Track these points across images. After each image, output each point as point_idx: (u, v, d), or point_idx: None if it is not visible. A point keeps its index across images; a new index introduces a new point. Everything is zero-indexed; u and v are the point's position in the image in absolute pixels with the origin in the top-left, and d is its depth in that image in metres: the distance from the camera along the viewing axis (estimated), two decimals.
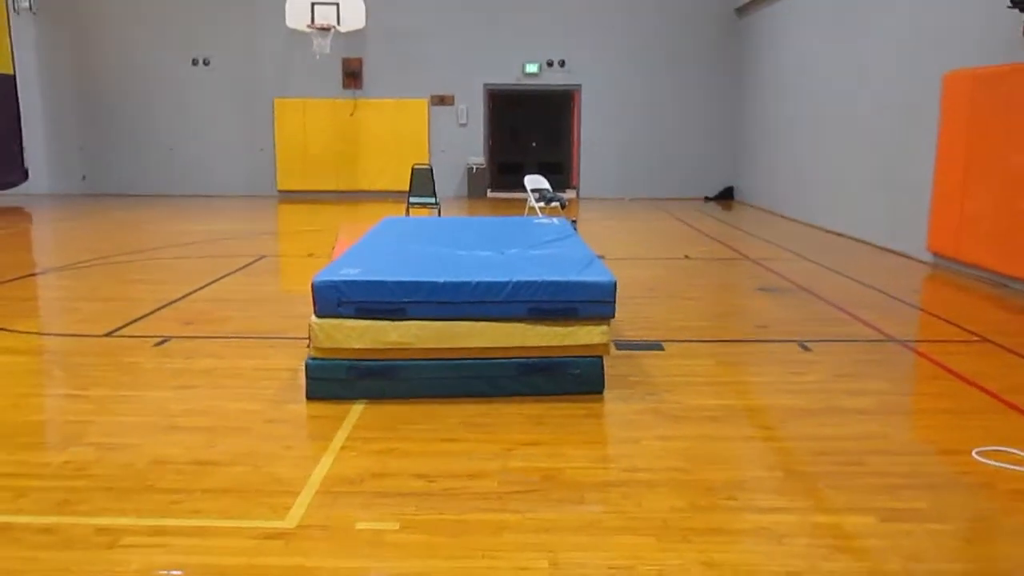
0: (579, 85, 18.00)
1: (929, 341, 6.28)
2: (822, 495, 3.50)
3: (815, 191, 13.08)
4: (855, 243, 11.10)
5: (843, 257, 9.91)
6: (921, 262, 9.41)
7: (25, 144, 16.60)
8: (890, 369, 5.41)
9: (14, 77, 16.07)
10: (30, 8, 17.39)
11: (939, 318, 6.90)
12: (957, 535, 3.20)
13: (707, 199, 17.96)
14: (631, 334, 6.11)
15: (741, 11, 17.14)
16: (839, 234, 11.84)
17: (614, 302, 4.64)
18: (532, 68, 17.83)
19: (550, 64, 17.89)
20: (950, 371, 5.27)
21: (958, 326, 6.45)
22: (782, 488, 3.58)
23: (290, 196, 17.94)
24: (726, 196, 17.98)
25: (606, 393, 4.73)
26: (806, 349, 5.79)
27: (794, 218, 13.85)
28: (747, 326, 6.72)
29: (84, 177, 18.16)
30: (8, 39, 15.92)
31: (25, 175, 16.62)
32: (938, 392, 5.00)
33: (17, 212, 15.11)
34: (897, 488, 3.55)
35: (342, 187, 18.01)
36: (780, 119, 14.94)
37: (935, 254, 9.16)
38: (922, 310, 7.42)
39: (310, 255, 9.86)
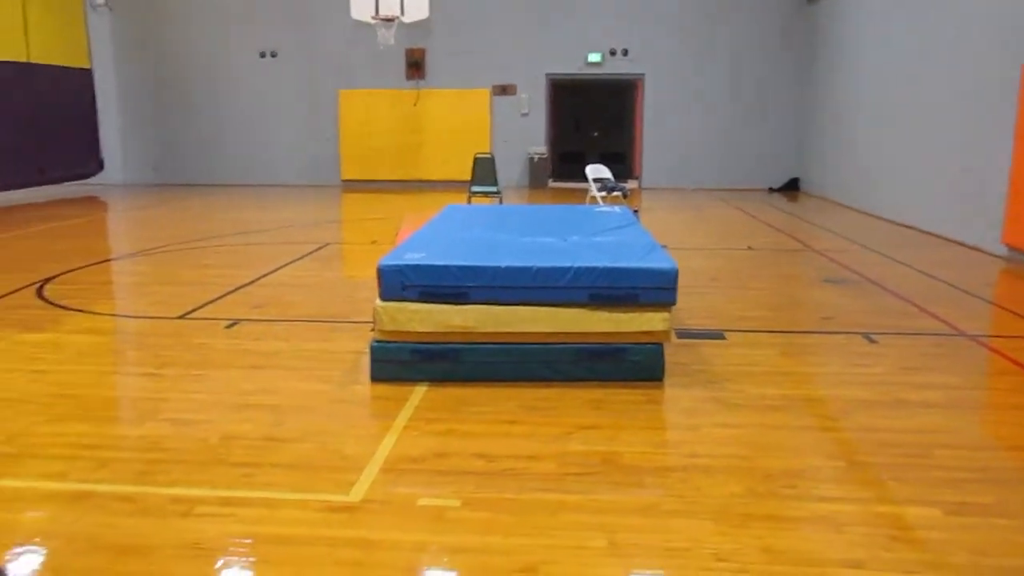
0: (642, 74, 17.87)
1: (1002, 336, 6.12)
2: (885, 486, 3.46)
3: (884, 182, 12.78)
4: (925, 235, 10.83)
5: (912, 249, 9.69)
6: (995, 256, 9.14)
7: (101, 135, 17.20)
8: (959, 363, 5.29)
9: (91, 71, 16.64)
10: (106, 4, 17.96)
11: (1013, 313, 6.71)
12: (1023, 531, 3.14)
13: (771, 190, 17.69)
14: (692, 323, 6.09)
15: None
16: (908, 226, 11.57)
17: (675, 289, 4.64)
18: (595, 57, 17.76)
19: (613, 53, 17.80)
20: (1022, 367, 5.14)
21: None
22: (843, 478, 3.55)
23: (354, 185, 18.21)
24: (791, 187, 17.68)
25: (666, 380, 4.73)
26: (872, 341, 5.70)
27: (861, 209, 13.57)
28: (811, 317, 6.64)
29: (154, 168, 18.70)
30: (86, 34, 16.49)
31: (100, 166, 17.21)
32: (1009, 387, 4.88)
33: (93, 201, 15.65)
34: (963, 482, 3.49)
35: (405, 177, 18.21)
36: (849, 108, 14.62)
37: (1010, 247, 8.89)
38: (995, 304, 7.22)
39: (373, 242, 10.02)
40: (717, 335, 5.78)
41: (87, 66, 16.49)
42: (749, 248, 9.91)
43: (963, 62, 10.23)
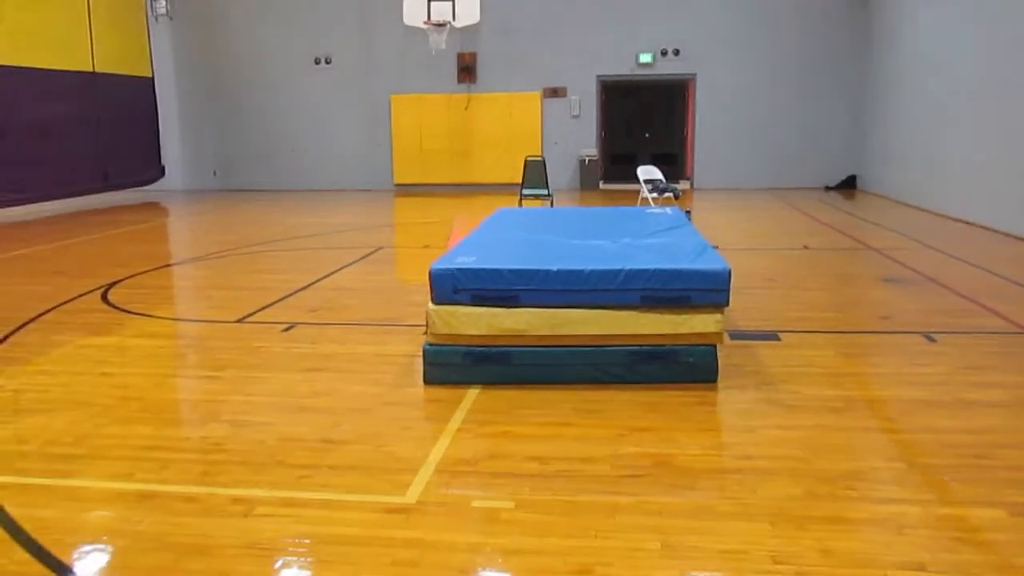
0: (694, 74, 17.71)
1: None
2: (947, 487, 3.39)
3: (943, 178, 12.48)
4: (987, 232, 10.55)
5: (974, 246, 9.45)
6: None
7: (162, 142, 17.65)
8: (1023, 362, 5.15)
9: (152, 79, 17.09)
10: (167, 15, 18.43)
11: None
12: None
13: (828, 188, 17.38)
14: (746, 324, 6.02)
15: None
16: (970, 223, 11.27)
17: (728, 290, 4.60)
18: (646, 58, 17.66)
19: (664, 53, 17.68)
20: None
21: None
22: (904, 479, 3.49)
23: (406, 189, 18.39)
24: (848, 185, 17.35)
25: (720, 382, 4.69)
26: (932, 341, 5.57)
27: (921, 207, 13.26)
28: (869, 317, 6.52)
29: (215, 173, 19.13)
30: (148, 44, 16.95)
31: (162, 172, 17.67)
32: None
33: (154, 207, 16.06)
34: None
35: (456, 180, 18.32)
36: (906, 103, 14.30)
37: None
38: None
39: (426, 246, 10.11)
40: (771, 336, 5.71)
41: (148, 75, 16.94)
42: (805, 248, 9.77)
43: (1022, 57, 9.95)
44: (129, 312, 6.76)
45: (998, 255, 8.87)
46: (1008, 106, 10.40)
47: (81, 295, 7.40)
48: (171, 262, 9.71)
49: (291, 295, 7.31)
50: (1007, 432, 3.97)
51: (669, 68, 17.74)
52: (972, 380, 4.74)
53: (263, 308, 6.83)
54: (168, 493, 3.45)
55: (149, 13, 17.38)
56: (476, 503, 3.32)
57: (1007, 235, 10.15)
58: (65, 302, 7.12)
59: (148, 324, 6.41)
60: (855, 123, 17.10)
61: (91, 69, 14.93)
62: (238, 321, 6.42)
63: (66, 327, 6.29)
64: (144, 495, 3.43)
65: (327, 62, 18.43)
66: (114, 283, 7.92)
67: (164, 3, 18.32)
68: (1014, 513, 3.15)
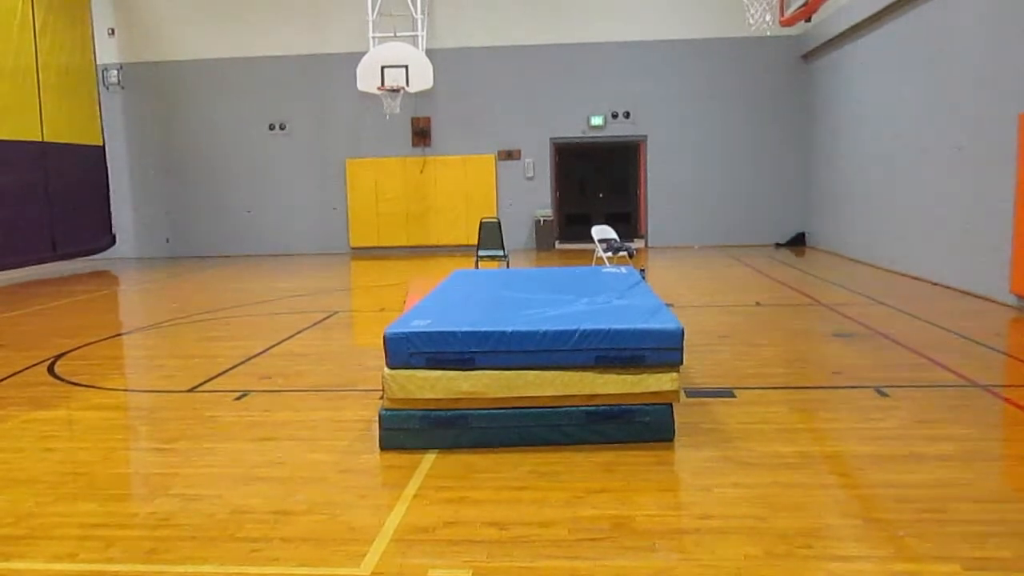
0: (644, 136, 18.11)
1: (1015, 386, 6.08)
2: (902, 543, 3.40)
3: (890, 235, 12.82)
4: (934, 287, 10.82)
5: (921, 301, 9.67)
6: (1005, 305, 9.11)
7: (113, 210, 17.48)
8: (973, 415, 5.24)
9: (103, 148, 16.99)
10: (119, 83, 18.41)
11: None
12: None
13: (778, 245, 17.74)
14: (701, 381, 6.06)
15: (808, 57, 17.09)
16: (916, 278, 11.56)
17: (682, 349, 4.64)
18: (597, 121, 18.04)
19: (615, 116, 18.08)
20: None
21: None
22: (860, 536, 3.50)
23: (362, 253, 18.38)
24: (797, 242, 17.74)
25: (676, 440, 4.70)
26: (883, 395, 5.66)
27: (869, 263, 13.58)
28: (821, 372, 6.60)
29: (168, 240, 18.94)
30: (99, 113, 16.89)
31: (113, 240, 17.46)
32: None
33: (105, 276, 15.81)
34: (982, 536, 3.44)
35: (413, 243, 18.38)
36: (852, 163, 14.75)
37: (1020, 296, 8.87)
38: (1007, 354, 7.17)
39: (382, 309, 10.06)
40: (727, 393, 5.75)
41: (99, 143, 16.85)
42: (757, 304, 9.91)
43: (962, 114, 10.35)
44: (76, 384, 6.60)
45: (945, 309, 9.08)
46: (947, 164, 10.76)
47: (26, 368, 7.22)
48: (121, 332, 9.53)
49: (244, 362, 7.20)
50: (959, 486, 4.01)
51: (620, 130, 18.13)
52: (924, 434, 4.81)
53: (215, 376, 6.71)
54: (114, 573, 3.33)
55: (100, 82, 17.35)
56: (432, 572, 3.25)
57: (953, 289, 10.41)
58: (8, 376, 6.93)
59: (96, 396, 6.26)
60: (802, 181, 17.56)
61: (40, 138, 14.81)
62: (189, 391, 6.30)
63: (9, 402, 6.11)
64: None
65: (281, 128, 18.52)
66: (61, 355, 7.74)
67: (116, 72, 18.34)
68: (968, 567, 3.17)
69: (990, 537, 3.43)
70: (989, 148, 9.54)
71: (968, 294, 9.98)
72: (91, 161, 16.53)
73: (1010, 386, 6.07)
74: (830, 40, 15.39)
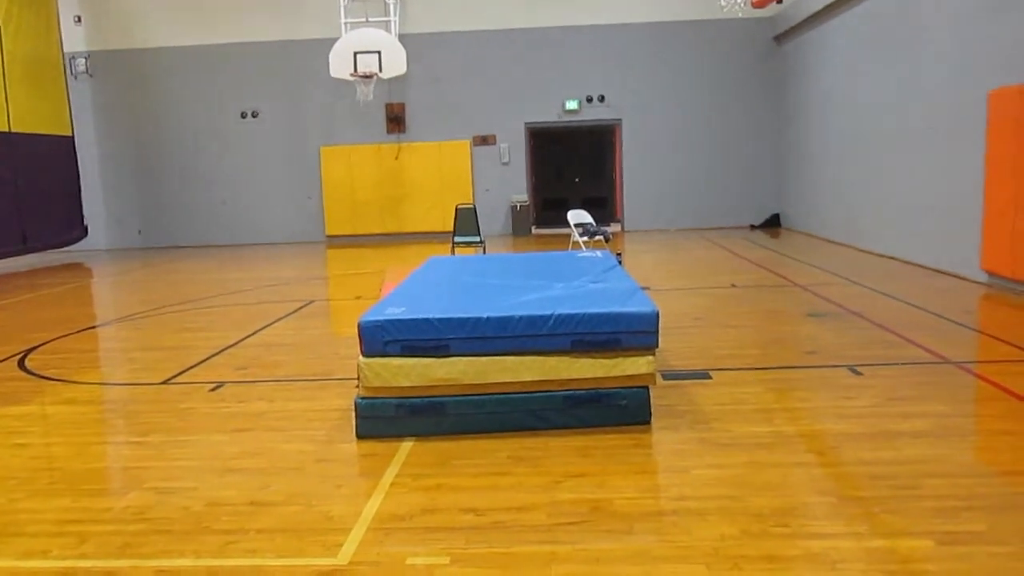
0: (619, 119, 18.11)
1: (987, 362, 6.15)
2: (877, 519, 3.44)
3: (862, 215, 12.92)
4: (906, 266, 10.92)
5: (894, 280, 9.76)
6: (975, 282, 9.22)
7: (84, 202, 17.24)
8: (946, 391, 5.29)
9: (72, 138, 16.73)
10: (87, 71, 18.14)
11: (997, 338, 6.75)
12: (1017, 557, 3.11)
13: (753, 227, 17.83)
14: (678, 364, 6.09)
15: (780, 38, 17.14)
16: (889, 257, 11.67)
17: (657, 332, 4.65)
18: (572, 105, 18.00)
19: (590, 100, 18.05)
20: (1009, 392, 5.15)
21: (1016, 346, 6.31)
22: (835, 513, 3.53)
23: (338, 241, 18.27)
24: (772, 223, 17.84)
25: (653, 423, 4.71)
26: (857, 373, 5.71)
27: (842, 243, 13.68)
28: (796, 352, 6.65)
29: (140, 232, 18.74)
30: (67, 102, 16.62)
31: (85, 232, 17.23)
32: (997, 413, 4.89)
33: (77, 268, 15.62)
34: (955, 511, 3.48)
35: (389, 230, 18.29)
36: (824, 144, 14.83)
37: (990, 273, 8.97)
38: (978, 331, 7.26)
39: (358, 298, 10.01)
40: (703, 375, 5.77)
41: (68, 133, 16.59)
42: (733, 286, 9.96)
43: (932, 93, 10.42)
44: (48, 379, 6.52)
45: (917, 288, 9.17)
46: (918, 143, 10.84)
47: None
48: (94, 324, 9.41)
49: (219, 353, 7.15)
50: (932, 462, 4.06)
51: (595, 114, 18.11)
52: (897, 411, 4.86)
53: (190, 368, 6.65)
54: (87, 569, 3.29)
55: (68, 71, 17.07)
56: (411, 560, 3.24)
57: (925, 268, 10.51)
58: None
59: (68, 390, 6.18)
60: (777, 163, 17.65)
61: (7, 129, 14.56)
62: (163, 383, 6.24)
63: None
64: (61, 572, 3.27)
65: (253, 116, 18.33)
66: (32, 349, 7.64)
67: (83, 61, 18.06)
68: (941, 541, 3.20)
69: (963, 511, 3.47)
70: (959, 127, 9.62)
71: (940, 272, 10.09)
72: (60, 151, 16.27)
73: (981, 362, 6.15)
74: (802, 22, 15.45)
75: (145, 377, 6.50)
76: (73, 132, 16.76)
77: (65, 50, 16.80)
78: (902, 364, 5.95)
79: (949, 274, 9.85)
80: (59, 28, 16.47)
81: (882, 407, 4.95)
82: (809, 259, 12.15)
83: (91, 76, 18.25)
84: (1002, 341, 6.57)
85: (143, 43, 18.21)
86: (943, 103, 10.10)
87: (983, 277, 9.12)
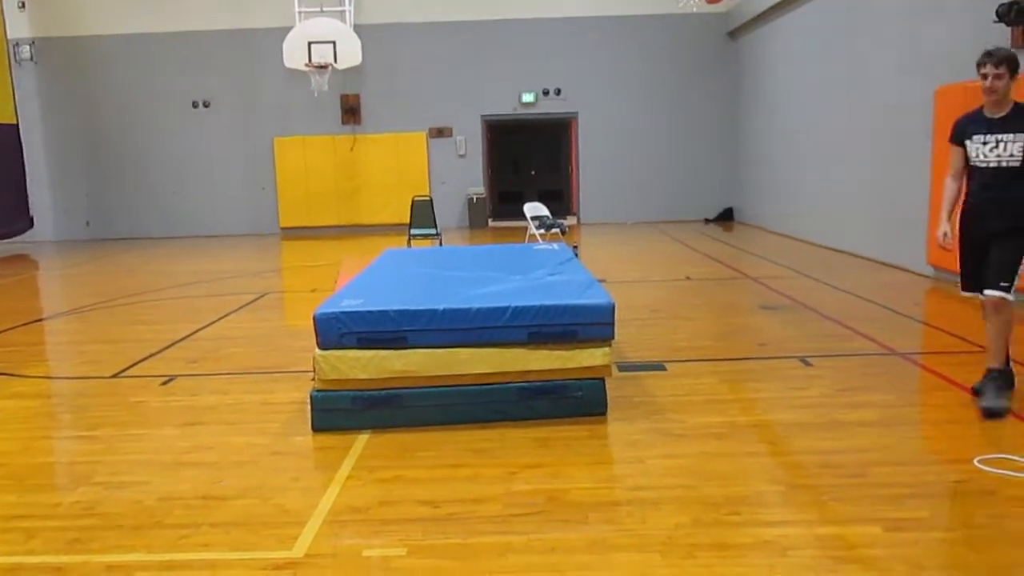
0: (576, 113, 18.17)
1: (932, 353, 6.31)
2: (826, 507, 3.51)
3: (814, 209, 13.14)
4: (856, 259, 11.14)
5: (844, 273, 9.95)
6: (922, 276, 9.43)
7: (30, 192, 16.81)
8: (892, 382, 5.42)
9: (17, 126, 16.30)
10: (31, 58, 17.68)
11: (941, 330, 6.92)
12: (961, 542, 3.21)
13: (707, 221, 18.03)
14: (633, 355, 6.14)
15: (734, 34, 17.33)
16: (840, 251, 11.89)
17: (613, 324, 4.69)
18: (528, 97, 18.01)
19: (546, 93, 18.08)
20: (953, 382, 5.29)
21: (961, 338, 6.47)
22: (786, 501, 3.60)
23: (293, 233, 18.07)
24: (726, 217, 18.05)
25: (609, 414, 4.75)
26: (807, 365, 5.82)
27: (794, 236, 13.91)
28: (748, 344, 6.75)
29: (88, 223, 18.34)
30: (11, 89, 16.18)
31: (30, 223, 16.81)
32: (941, 403, 5.01)
33: (23, 259, 15.25)
34: (901, 498, 3.57)
35: (344, 222, 18.15)
36: (777, 139, 15.05)
37: (935, 267, 9.19)
38: (924, 323, 7.44)
39: (313, 290, 9.93)
40: (658, 366, 5.84)
41: (13, 121, 16.15)
42: (687, 279, 10.07)
43: (881, 90, 10.63)
44: None
45: (866, 281, 9.37)
46: (866, 139, 11.06)
47: None
48: (41, 317, 9.21)
49: (171, 346, 7.04)
50: (879, 450, 4.15)
51: (551, 107, 18.15)
52: (846, 401, 4.96)
53: (140, 361, 6.54)
54: (35, 565, 3.22)
55: (11, 57, 16.61)
56: (367, 552, 3.24)
57: (873, 261, 10.74)
58: None
59: (15, 384, 6.04)
60: (730, 157, 17.85)
61: None
62: (113, 376, 6.13)
63: None
64: (8, 568, 3.19)
65: (205, 105, 18.04)
66: None
67: (28, 47, 17.60)
68: (888, 528, 3.29)
69: (908, 499, 3.56)
70: (907, 123, 9.83)
71: (888, 265, 10.31)
72: (4, 140, 15.85)
73: (927, 353, 6.31)
74: (755, 17, 15.64)
75: (95, 370, 6.37)
76: (18, 120, 16.33)
77: (8, 36, 16.35)
78: (851, 355, 6.08)
79: (897, 267, 10.07)
80: (2, 13, 16.02)
81: (832, 397, 5.05)
82: (762, 252, 12.33)
83: (36, 63, 17.79)
84: (947, 333, 6.74)
85: (90, 29, 17.78)
86: (892, 99, 10.31)
87: (929, 271, 9.34)
